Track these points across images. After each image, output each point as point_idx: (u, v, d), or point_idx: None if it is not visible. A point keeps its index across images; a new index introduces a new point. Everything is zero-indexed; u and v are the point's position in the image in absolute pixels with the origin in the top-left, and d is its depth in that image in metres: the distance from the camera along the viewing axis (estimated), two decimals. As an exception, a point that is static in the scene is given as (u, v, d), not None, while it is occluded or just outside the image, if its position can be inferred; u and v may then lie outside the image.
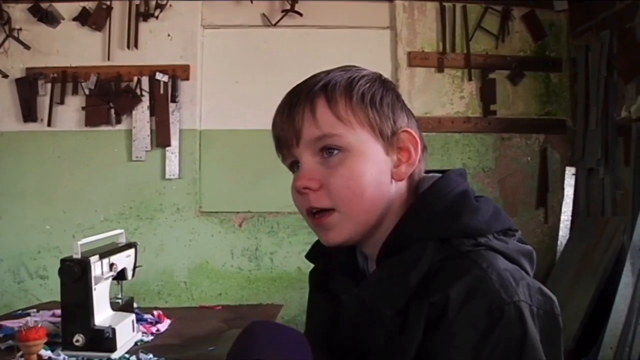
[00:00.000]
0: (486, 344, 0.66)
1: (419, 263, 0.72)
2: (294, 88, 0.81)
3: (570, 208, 3.76)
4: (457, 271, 0.70)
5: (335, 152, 0.76)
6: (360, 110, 0.77)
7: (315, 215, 0.79)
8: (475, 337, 0.66)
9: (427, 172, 0.86)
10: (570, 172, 3.78)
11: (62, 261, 1.54)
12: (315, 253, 0.89)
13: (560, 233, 3.73)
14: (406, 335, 0.69)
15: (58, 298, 1.59)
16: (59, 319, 1.76)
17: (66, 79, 3.68)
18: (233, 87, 3.75)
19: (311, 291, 0.91)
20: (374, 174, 0.77)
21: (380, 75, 0.84)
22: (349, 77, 0.79)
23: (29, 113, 3.67)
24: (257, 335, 0.72)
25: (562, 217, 3.76)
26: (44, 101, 3.69)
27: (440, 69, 3.79)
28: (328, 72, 0.81)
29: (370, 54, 3.69)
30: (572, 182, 3.77)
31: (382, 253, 0.78)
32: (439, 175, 0.83)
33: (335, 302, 0.82)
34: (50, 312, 1.99)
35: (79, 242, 1.57)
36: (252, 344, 0.71)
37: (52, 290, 3.44)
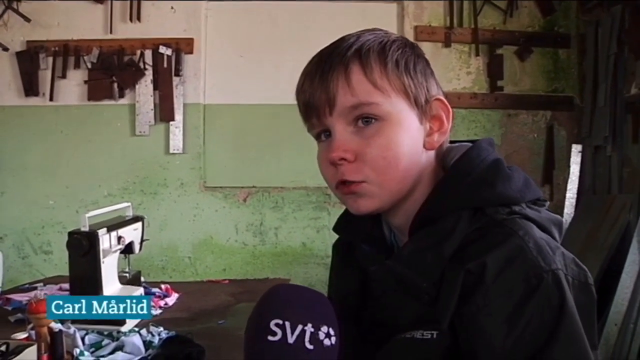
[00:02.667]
0: (523, 311, 0.65)
1: (454, 233, 0.71)
2: (323, 51, 0.77)
3: (576, 185, 3.74)
4: (494, 239, 0.69)
5: (372, 121, 0.74)
6: (396, 77, 0.74)
7: (345, 183, 0.76)
8: (512, 304, 0.65)
9: (451, 142, 0.84)
10: (576, 149, 3.75)
11: (70, 234, 1.52)
12: (342, 225, 0.87)
13: (566, 210, 3.72)
14: (441, 304, 0.68)
15: (62, 273, 1.59)
16: (66, 293, 1.76)
17: (68, 53, 3.63)
18: (237, 61, 3.70)
19: (336, 263, 0.90)
20: (409, 143, 0.75)
21: (409, 41, 0.81)
22: (381, 42, 0.76)
23: (30, 87, 3.63)
24: (280, 294, 0.71)
25: (568, 195, 3.74)
26: (45, 75, 3.65)
27: (447, 43, 3.73)
28: (358, 35, 0.77)
29: (377, 27, 3.63)
30: (578, 159, 3.75)
31: (415, 224, 0.76)
32: (467, 144, 0.81)
33: (362, 274, 0.81)
34: (57, 286, 1.98)
35: (87, 215, 1.55)
36: (274, 302, 0.70)
37: (56, 265, 3.45)
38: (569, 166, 3.75)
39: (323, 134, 0.78)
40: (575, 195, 3.74)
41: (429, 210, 0.75)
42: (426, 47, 3.71)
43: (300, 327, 0.67)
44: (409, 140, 0.75)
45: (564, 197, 3.75)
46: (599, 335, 2.82)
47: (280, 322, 0.67)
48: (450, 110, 0.79)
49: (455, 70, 3.76)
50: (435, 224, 0.73)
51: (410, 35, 3.71)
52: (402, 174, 0.75)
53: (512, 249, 0.67)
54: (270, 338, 0.67)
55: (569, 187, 3.75)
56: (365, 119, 0.74)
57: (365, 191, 0.75)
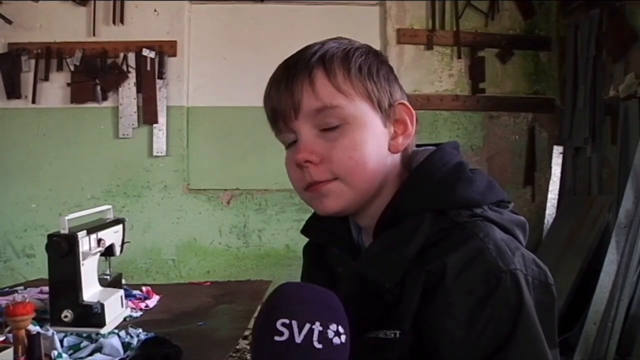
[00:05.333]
0: (482, 311, 0.66)
1: (416, 235, 0.72)
2: (288, 59, 0.79)
3: (558, 186, 3.79)
4: (454, 241, 0.70)
5: (336, 124, 0.76)
6: (359, 82, 0.76)
7: (312, 185, 0.77)
8: (471, 304, 0.67)
9: (417, 145, 0.86)
10: (557, 150, 3.81)
11: (49, 236, 1.52)
12: (310, 227, 0.88)
13: (547, 211, 3.77)
14: (403, 305, 0.70)
15: (45, 276, 1.58)
16: (46, 296, 1.75)
17: (50, 55, 3.62)
18: (221, 63, 3.71)
19: (306, 265, 0.91)
20: (375, 145, 0.77)
21: (372, 48, 0.83)
22: (345, 49, 0.78)
23: (12, 89, 3.61)
24: (286, 292, 0.70)
25: (549, 196, 3.79)
26: (27, 77, 3.64)
27: (429, 46, 3.77)
28: (322, 43, 0.80)
29: (359, 30, 3.65)
30: (560, 160, 3.80)
31: (379, 225, 0.78)
32: (432, 148, 0.83)
33: (331, 276, 0.82)
34: (38, 289, 1.97)
35: (66, 218, 1.55)
36: (280, 301, 0.69)
37: (39, 268, 3.42)
38: (550, 167, 3.80)
39: (290, 140, 0.79)
40: (556, 196, 3.79)
41: (392, 212, 0.77)
42: (408, 50, 3.76)
43: (308, 325, 0.65)
44: (374, 141, 0.77)
45: (546, 198, 3.79)
46: (579, 333, 2.86)
47: (287, 321, 0.65)
48: (414, 114, 0.81)
49: (437, 72, 3.79)
50: (398, 226, 0.74)
51: (392, 38, 3.74)
52: (370, 174, 0.76)
53: (472, 251, 0.69)
54: (277, 338, 0.64)
55: (550, 188, 3.80)
56: (330, 122, 0.75)
57: (332, 191, 0.77)
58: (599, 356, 2.73)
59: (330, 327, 0.66)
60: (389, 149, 0.79)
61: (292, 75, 0.76)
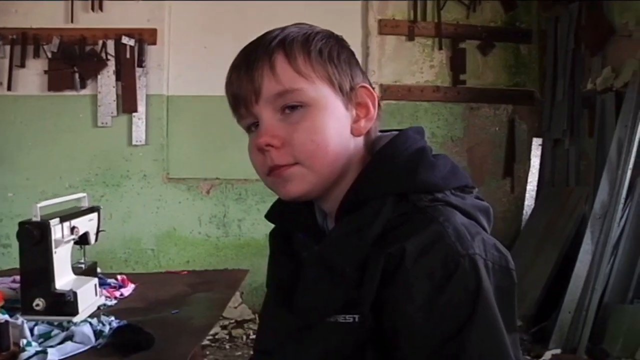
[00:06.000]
0: (441, 294, 0.67)
1: (377, 219, 0.72)
2: (248, 45, 0.79)
3: (536, 178, 3.83)
4: (414, 225, 0.71)
5: (298, 107, 0.75)
6: (320, 65, 0.76)
7: (275, 169, 0.77)
8: (430, 288, 0.67)
9: (383, 131, 0.86)
10: (537, 142, 3.85)
11: (21, 224, 1.50)
12: (275, 213, 0.88)
13: (526, 202, 3.81)
14: (363, 288, 0.70)
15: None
16: (19, 285, 1.73)
17: (27, 41, 3.56)
18: (201, 52, 3.68)
19: (272, 251, 0.91)
20: (337, 127, 0.77)
21: (334, 33, 0.83)
22: (305, 33, 0.78)
23: (-13, 76, 3.55)
24: None
25: (528, 187, 3.83)
26: (3, 64, 3.57)
27: (410, 37, 3.77)
28: (282, 28, 0.80)
29: (341, 20, 3.64)
30: (539, 152, 3.84)
31: (342, 209, 0.78)
32: (396, 132, 0.83)
33: (296, 260, 0.82)
34: (11, 279, 1.94)
35: (38, 205, 1.53)
36: None
37: (15, 258, 3.32)
38: (529, 159, 3.84)
39: (252, 125, 0.79)
40: (535, 188, 3.84)
41: (354, 196, 0.77)
42: (390, 41, 3.76)
43: None
44: (335, 124, 0.77)
45: (525, 189, 3.83)
46: (554, 322, 2.90)
47: None
48: (376, 96, 0.81)
49: (418, 63, 3.80)
50: (360, 210, 0.74)
51: (374, 29, 3.74)
52: (332, 157, 0.76)
53: (431, 235, 0.69)
54: None
55: (529, 179, 3.84)
56: (291, 105, 0.75)
57: (295, 175, 0.76)
58: (573, 344, 2.78)
59: None
60: (352, 132, 0.79)
61: (252, 60, 0.76)
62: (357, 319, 0.70)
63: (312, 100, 0.75)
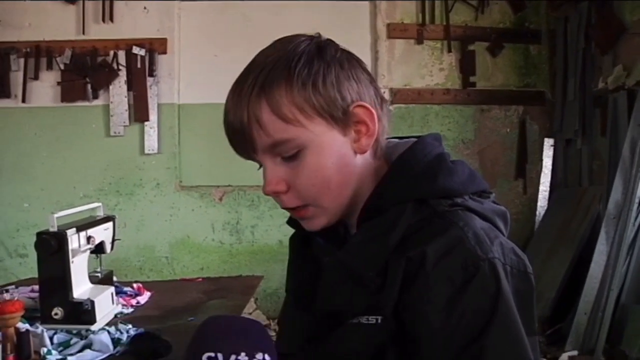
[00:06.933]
0: (460, 298, 0.67)
1: (398, 224, 0.73)
2: (233, 90, 0.77)
3: (549, 179, 3.81)
4: (435, 230, 0.72)
5: (294, 152, 0.75)
6: (305, 102, 0.74)
7: (289, 210, 0.81)
8: (450, 291, 0.68)
9: (400, 138, 0.87)
10: (548, 143, 3.83)
11: (38, 234, 1.52)
12: (295, 219, 0.90)
13: (539, 203, 3.79)
14: (385, 291, 0.71)
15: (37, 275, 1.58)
16: (37, 294, 1.76)
17: (40, 54, 3.61)
18: (212, 60, 3.71)
19: (293, 255, 0.92)
20: (336, 161, 0.77)
21: (318, 44, 0.78)
22: (286, 64, 0.74)
23: (2, 89, 3.61)
24: (211, 327, 0.72)
25: (541, 188, 3.81)
26: (17, 77, 3.63)
27: (419, 40, 3.77)
28: (262, 61, 0.76)
29: (350, 25, 3.67)
30: (551, 153, 3.82)
31: (362, 216, 0.79)
32: (413, 140, 0.83)
33: (316, 265, 0.83)
34: (29, 288, 1.97)
35: (55, 215, 1.55)
36: (205, 336, 0.71)
37: (32, 268, 3.38)
38: (541, 160, 3.82)
39: (257, 163, 0.80)
40: (548, 188, 3.82)
41: (374, 203, 0.78)
42: (399, 44, 3.77)
43: (233, 357, 0.67)
44: (334, 158, 0.76)
45: (537, 190, 3.81)
46: (570, 323, 2.88)
47: (213, 354, 0.67)
48: (374, 112, 0.78)
49: (427, 66, 3.80)
50: (381, 216, 0.76)
51: (383, 33, 3.75)
52: (337, 191, 0.78)
53: (451, 239, 0.70)
54: None
55: (541, 180, 3.82)
56: (287, 152, 0.76)
57: (310, 214, 0.79)
58: (590, 345, 2.75)
59: (257, 356, 0.67)
60: (355, 152, 0.79)
61: (238, 117, 0.75)
62: (379, 320, 0.71)
63: (306, 142, 0.75)
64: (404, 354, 0.70)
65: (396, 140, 0.87)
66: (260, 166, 0.80)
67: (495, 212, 0.80)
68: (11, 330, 1.22)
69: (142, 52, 3.62)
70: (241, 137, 0.76)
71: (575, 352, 2.79)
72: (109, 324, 1.52)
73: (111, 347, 1.34)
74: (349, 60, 0.79)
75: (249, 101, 0.74)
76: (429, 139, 0.83)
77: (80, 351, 1.32)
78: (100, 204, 1.86)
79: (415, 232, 0.73)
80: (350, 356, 0.73)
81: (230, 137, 0.79)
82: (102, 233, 1.76)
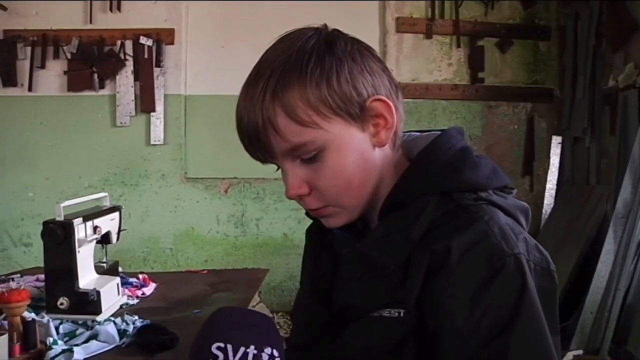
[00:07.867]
0: (485, 293, 0.66)
1: (421, 217, 0.72)
2: (244, 95, 0.74)
3: (556, 176, 3.79)
4: (460, 224, 0.71)
5: (313, 154, 0.74)
6: (320, 103, 0.71)
7: (312, 211, 0.80)
8: (474, 286, 0.67)
9: (422, 131, 0.86)
10: (556, 141, 3.80)
11: (45, 223, 1.51)
12: None
13: (546, 201, 3.77)
14: (408, 284, 0.70)
15: (42, 265, 1.57)
16: (43, 284, 1.75)
17: (46, 43, 3.59)
18: (219, 51, 3.69)
19: (309, 246, 0.91)
20: (357, 159, 0.75)
21: (327, 38, 0.75)
22: (297, 65, 0.71)
23: (8, 77, 3.59)
24: (217, 321, 0.72)
25: (548, 186, 3.78)
26: (23, 65, 3.61)
27: (428, 35, 3.75)
28: (271, 62, 0.73)
29: (359, 19, 3.63)
30: (558, 150, 3.79)
31: (384, 208, 0.78)
32: (436, 133, 0.82)
33: (334, 257, 0.82)
34: (35, 277, 1.97)
35: (62, 205, 1.54)
36: (216, 326, 0.70)
37: (36, 257, 3.41)
38: (549, 157, 3.80)
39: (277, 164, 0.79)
40: (555, 186, 3.79)
41: (397, 196, 0.76)
42: (408, 39, 3.74)
43: (242, 349, 0.67)
44: (355, 156, 0.75)
45: (544, 188, 3.79)
46: (575, 322, 2.87)
47: (222, 345, 0.67)
48: (392, 104, 0.76)
49: (436, 61, 3.78)
50: (404, 208, 0.74)
51: (391, 27, 3.72)
52: (358, 189, 0.77)
53: (476, 233, 0.69)
54: None
55: (549, 178, 3.80)
56: (306, 155, 0.74)
57: (331, 213, 0.78)
58: (595, 345, 2.74)
59: (265, 350, 0.68)
60: (374, 146, 0.77)
61: (252, 123, 0.73)
62: (402, 314, 0.70)
63: (325, 143, 0.73)
64: (423, 347, 0.69)
65: (416, 133, 0.85)
66: (278, 168, 0.78)
67: (518, 207, 0.79)
68: (17, 319, 1.22)
69: (149, 42, 3.60)
70: (257, 143, 0.74)
71: (580, 352, 2.77)
72: (114, 315, 1.51)
73: (117, 338, 1.33)
74: (360, 51, 0.76)
75: (263, 107, 0.71)
76: (453, 132, 0.81)
77: (85, 342, 1.32)
78: (106, 194, 1.85)
79: (439, 225, 0.72)
80: (369, 349, 0.72)
81: (246, 143, 0.76)
82: (108, 223, 1.76)
